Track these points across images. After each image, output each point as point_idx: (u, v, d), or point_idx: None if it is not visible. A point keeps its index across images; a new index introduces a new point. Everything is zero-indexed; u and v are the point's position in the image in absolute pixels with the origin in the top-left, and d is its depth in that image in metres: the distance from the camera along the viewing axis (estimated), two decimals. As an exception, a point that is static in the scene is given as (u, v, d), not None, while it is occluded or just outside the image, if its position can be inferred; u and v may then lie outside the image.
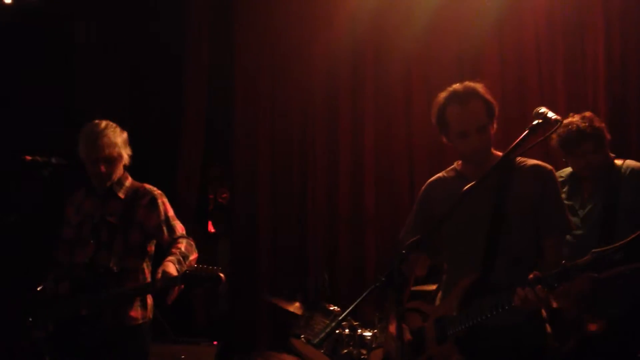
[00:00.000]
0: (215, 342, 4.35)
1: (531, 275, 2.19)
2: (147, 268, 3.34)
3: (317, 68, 5.30)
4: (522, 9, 4.74)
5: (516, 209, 2.42)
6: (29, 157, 3.13)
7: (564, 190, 3.30)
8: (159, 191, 3.39)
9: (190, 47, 5.55)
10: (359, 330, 3.85)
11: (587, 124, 3.15)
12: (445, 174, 2.67)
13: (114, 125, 3.33)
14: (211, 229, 6.19)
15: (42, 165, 3.15)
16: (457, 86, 2.49)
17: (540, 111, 2.29)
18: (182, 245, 3.22)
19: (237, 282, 5.18)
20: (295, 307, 4.22)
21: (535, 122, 2.27)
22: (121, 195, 3.30)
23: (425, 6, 4.90)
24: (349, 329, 3.87)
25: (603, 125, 3.22)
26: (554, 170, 2.52)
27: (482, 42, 4.82)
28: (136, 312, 3.23)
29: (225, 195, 6.30)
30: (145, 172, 4.96)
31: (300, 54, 5.36)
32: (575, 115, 3.23)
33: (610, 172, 3.19)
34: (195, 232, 5.47)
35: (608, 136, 3.21)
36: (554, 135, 3.16)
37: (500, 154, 2.54)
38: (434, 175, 4.74)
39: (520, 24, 4.76)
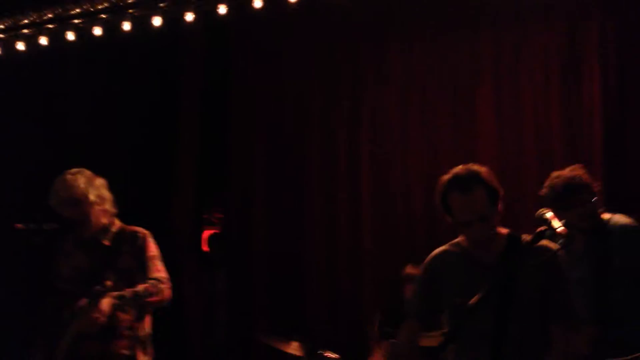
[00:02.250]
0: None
1: None
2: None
3: (314, 96, 5.24)
4: (518, 46, 4.71)
5: (525, 298, 2.37)
6: (19, 225, 3.06)
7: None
8: (145, 231, 3.37)
9: (185, 74, 5.49)
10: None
11: (580, 174, 3.13)
12: (450, 248, 2.61)
13: (81, 171, 3.31)
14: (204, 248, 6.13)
15: (34, 232, 3.08)
16: (459, 170, 2.42)
17: (545, 216, 2.22)
18: (143, 285, 3.16)
19: (233, 320, 5.14)
20: (293, 348, 4.17)
21: (540, 229, 2.21)
22: (106, 242, 3.28)
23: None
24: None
25: (589, 175, 3.19)
26: (561, 254, 2.47)
27: (477, 79, 4.79)
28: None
29: (219, 215, 6.24)
30: (139, 201, 5.01)
31: (298, 78, 5.30)
32: (564, 170, 3.18)
33: (599, 227, 3.16)
34: (190, 259, 5.46)
35: (598, 187, 3.18)
36: (545, 189, 3.10)
37: (505, 231, 2.48)
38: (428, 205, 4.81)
39: (515, 60, 4.70)
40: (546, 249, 2.43)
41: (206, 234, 6.05)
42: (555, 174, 3.16)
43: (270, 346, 4.31)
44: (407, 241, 4.97)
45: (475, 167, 2.41)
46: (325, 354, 3.91)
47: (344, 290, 5.09)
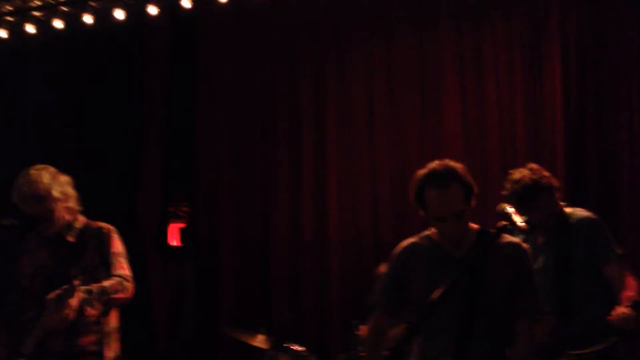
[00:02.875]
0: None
1: None
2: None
3: (281, 89, 5.24)
4: (480, 38, 4.78)
5: (491, 294, 2.39)
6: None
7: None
8: (110, 227, 3.32)
9: (150, 68, 5.44)
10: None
11: (539, 176, 3.15)
12: (419, 241, 2.59)
13: (46, 167, 3.26)
14: (171, 241, 6.10)
15: (-5, 228, 3.04)
16: (436, 165, 2.41)
17: (506, 211, 2.26)
18: (109, 282, 3.13)
19: (200, 313, 5.13)
20: (259, 341, 4.18)
21: (501, 224, 2.25)
22: (71, 239, 3.24)
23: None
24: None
25: (549, 173, 3.23)
26: (527, 250, 2.51)
27: (441, 71, 4.85)
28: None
29: (185, 209, 6.20)
30: (105, 193, 4.97)
31: (263, 72, 5.29)
32: (522, 170, 3.21)
33: (560, 221, 3.22)
34: (156, 253, 5.43)
35: (556, 183, 3.23)
36: (506, 191, 3.15)
37: (476, 226, 2.51)
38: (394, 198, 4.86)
39: (478, 53, 4.77)
40: (514, 244, 2.47)
41: (173, 227, 6.03)
42: (515, 176, 3.16)
43: (237, 339, 4.32)
44: (372, 232, 5.01)
45: (452, 163, 2.41)
46: (291, 347, 3.93)
47: (310, 282, 5.11)
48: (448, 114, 4.84)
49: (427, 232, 2.60)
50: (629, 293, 2.98)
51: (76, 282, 2.95)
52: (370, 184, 5.06)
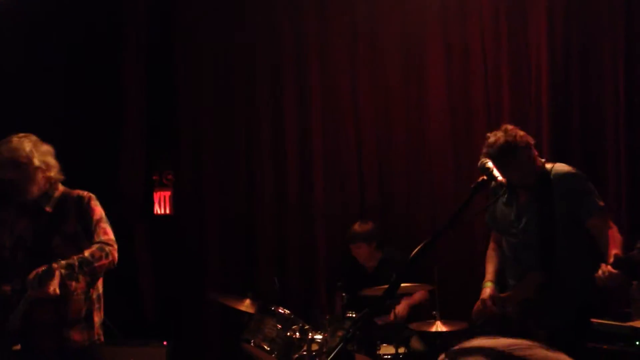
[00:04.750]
0: (165, 343, 4.31)
1: None
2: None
3: (263, 53, 5.16)
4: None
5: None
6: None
7: (502, 199, 3.29)
8: (89, 194, 3.29)
9: (129, 30, 5.33)
10: (310, 334, 3.84)
11: (513, 135, 3.14)
12: None
13: (27, 135, 3.21)
14: (156, 210, 6.07)
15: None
16: None
17: (486, 166, 2.24)
18: (89, 250, 3.10)
19: (185, 279, 5.12)
20: (245, 305, 4.18)
21: (481, 179, 2.22)
22: (49, 208, 3.19)
23: None
24: (299, 332, 3.86)
25: (524, 132, 3.21)
26: None
27: (426, 31, 4.77)
28: (79, 334, 3.14)
29: (170, 176, 6.16)
30: (86, 164, 4.91)
31: (244, 42, 5.20)
32: (497, 132, 3.19)
33: (541, 177, 3.21)
34: (141, 222, 5.39)
35: (532, 140, 3.22)
36: (483, 155, 3.14)
37: None
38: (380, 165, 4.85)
39: (464, 12, 4.68)
40: None
41: (158, 195, 5.99)
42: (490, 139, 3.14)
43: (223, 304, 4.32)
44: (358, 200, 5.00)
45: None
46: (278, 310, 3.93)
47: (295, 248, 5.10)
48: (432, 69, 4.78)
49: None
50: (614, 250, 2.99)
51: (55, 265, 2.93)
52: (356, 152, 5.02)
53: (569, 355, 2.81)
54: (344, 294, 4.00)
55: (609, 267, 2.79)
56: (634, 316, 3.58)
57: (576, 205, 3.14)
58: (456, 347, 1.72)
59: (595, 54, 4.30)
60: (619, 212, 3.93)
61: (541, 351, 1.68)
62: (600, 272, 2.82)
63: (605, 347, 3.44)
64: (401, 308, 4.24)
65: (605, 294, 3.34)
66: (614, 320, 3.52)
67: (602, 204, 3.12)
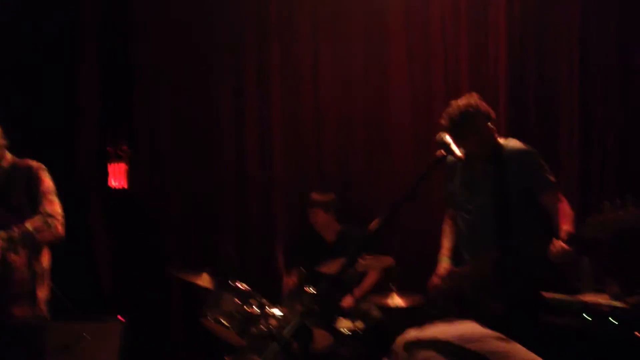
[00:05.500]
0: (121, 319, 4.25)
1: None
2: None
3: (222, 23, 5.07)
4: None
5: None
6: None
7: (459, 177, 3.33)
8: (39, 164, 3.21)
9: (84, 8, 5.17)
10: (269, 309, 3.84)
11: (475, 101, 3.18)
12: None
13: None
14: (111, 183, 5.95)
15: None
16: None
17: (444, 140, 2.24)
18: (31, 222, 3.04)
19: (143, 253, 5.06)
20: (203, 280, 4.16)
21: (439, 153, 2.23)
22: None
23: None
24: (258, 307, 3.86)
25: (486, 105, 3.25)
26: None
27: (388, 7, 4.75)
28: (21, 309, 3.08)
29: (125, 148, 6.04)
30: (37, 135, 4.76)
31: (204, 9, 5.09)
32: (460, 99, 3.22)
33: (496, 153, 3.24)
34: (96, 195, 5.29)
35: (493, 114, 3.25)
36: (443, 119, 3.17)
37: None
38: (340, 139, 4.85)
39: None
40: None
41: (112, 168, 5.87)
42: (453, 104, 3.18)
43: (182, 279, 4.29)
44: (317, 170, 5.00)
45: None
46: (237, 285, 3.92)
47: (255, 220, 5.09)
48: (393, 46, 4.78)
49: None
50: (566, 226, 3.05)
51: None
52: (315, 121, 5.00)
53: (522, 328, 2.86)
54: (302, 269, 4.01)
55: (561, 244, 2.85)
56: (583, 290, 3.71)
57: (529, 182, 3.19)
58: (412, 338, 1.73)
59: (552, 29, 4.35)
60: (572, 188, 4.02)
61: (493, 342, 1.70)
62: (553, 248, 2.88)
63: (556, 320, 3.56)
64: (349, 301, 4.27)
65: (557, 269, 3.43)
66: (565, 294, 3.64)
67: (553, 179, 3.18)
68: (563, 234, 2.89)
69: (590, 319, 3.49)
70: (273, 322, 3.82)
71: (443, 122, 3.15)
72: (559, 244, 2.85)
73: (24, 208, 3.09)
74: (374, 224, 2.12)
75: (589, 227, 2.68)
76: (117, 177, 5.62)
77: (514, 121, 4.27)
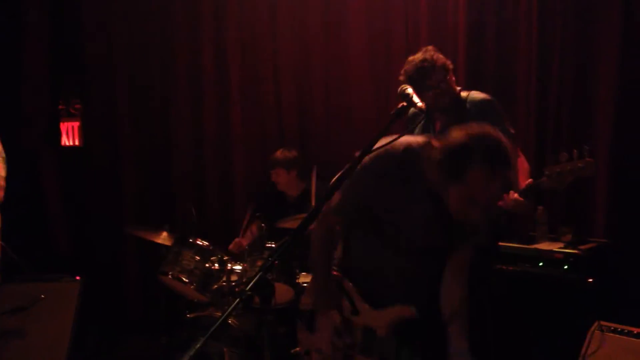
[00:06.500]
0: (78, 278, 4.18)
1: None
2: None
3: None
4: None
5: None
6: None
7: (419, 129, 3.32)
8: None
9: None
10: (229, 265, 3.83)
11: (432, 55, 3.18)
12: (410, 151, 2.21)
13: None
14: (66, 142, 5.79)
15: None
16: (494, 140, 2.06)
17: (406, 92, 2.21)
18: None
19: (99, 212, 4.96)
20: (162, 238, 4.11)
21: (401, 105, 2.21)
22: None
23: None
24: (218, 263, 3.84)
25: (444, 56, 3.24)
26: None
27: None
28: None
29: (78, 106, 5.87)
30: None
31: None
32: (417, 53, 3.22)
33: (457, 104, 3.25)
34: (48, 153, 5.14)
35: (451, 65, 3.25)
36: (402, 76, 3.16)
37: None
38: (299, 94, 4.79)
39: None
40: None
41: (65, 125, 5.71)
42: (410, 58, 3.19)
43: (140, 237, 4.23)
44: (277, 127, 4.95)
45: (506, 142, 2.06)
46: (196, 242, 3.89)
47: (213, 178, 5.04)
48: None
49: (421, 143, 2.24)
50: (522, 178, 3.10)
51: None
52: (273, 77, 4.92)
53: (479, 276, 2.85)
54: (262, 225, 3.99)
55: (515, 195, 2.89)
56: (539, 239, 3.80)
57: None
58: None
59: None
60: (528, 139, 4.07)
61: None
62: (507, 198, 2.93)
63: (511, 268, 3.65)
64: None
65: (512, 219, 3.50)
66: (520, 243, 3.72)
67: (512, 131, 3.21)
68: (521, 186, 2.94)
69: (544, 266, 3.58)
70: (233, 277, 3.82)
71: (401, 78, 3.15)
72: (512, 195, 2.90)
73: None
74: (336, 177, 2.09)
75: (546, 178, 2.72)
76: (70, 135, 5.48)
77: (472, 71, 4.26)
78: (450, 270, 2.32)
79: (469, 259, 2.35)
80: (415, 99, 2.16)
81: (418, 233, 2.24)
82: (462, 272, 2.33)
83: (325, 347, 2.34)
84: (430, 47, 3.23)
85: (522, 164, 3.27)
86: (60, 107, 5.64)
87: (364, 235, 2.34)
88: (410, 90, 2.20)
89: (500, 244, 3.57)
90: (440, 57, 3.19)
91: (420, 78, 3.12)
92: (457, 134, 2.12)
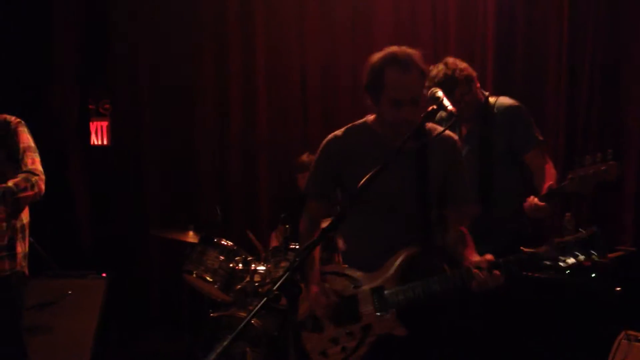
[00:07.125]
0: (104, 275, 4.23)
1: (487, 257, 2.29)
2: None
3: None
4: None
5: (434, 184, 2.41)
6: None
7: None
8: (17, 120, 3.13)
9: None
10: (253, 265, 3.85)
11: (454, 69, 3.12)
12: (353, 129, 2.51)
13: None
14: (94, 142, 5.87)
15: None
16: (395, 49, 2.34)
17: (436, 95, 2.21)
18: (14, 180, 2.98)
19: (125, 211, 5.02)
20: (188, 237, 4.14)
21: (431, 108, 2.20)
22: None
23: None
24: (242, 263, 3.86)
25: (466, 65, 3.20)
26: (458, 140, 2.50)
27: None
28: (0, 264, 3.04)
29: (107, 105, 5.95)
30: (15, 89, 4.67)
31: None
32: (438, 65, 3.17)
33: (484, 110, 3.22)
34: (77, 153, 5.22)
35: (474, 73, 3.22)
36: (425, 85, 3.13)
37: None
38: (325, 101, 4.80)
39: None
40: (446, 137, 2.43)
41: (95, 125, 5.79)
42: (432, 73, 3.10)
43: (165, 237, 4.27)
44: (301, 130, 4.96)
45: (410, 49, 2.35)
46: (220, 242, 3.91)
47: (238, 179, 5.06)
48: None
49: (361, 121, 2.52)
50: (549, 183, 3.07)
51: None
52: (300, 80, 4.94)
53: (504, 282, 2.78)
54: (287, 226, 4.00)
55: (536, 200, 2.87)
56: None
57: (516, 137, 3.19)
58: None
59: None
60: (557, 144, 4.03)
61: None
62: (527, 203, 2.90)
63: (536, 275, 3.61)
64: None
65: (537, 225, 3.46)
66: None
67: (541, 137, 3.19)
68: (546, 190, 2.91)
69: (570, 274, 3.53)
70: (257, 278, 3.83)
71: (425, 91, 3.13)
72: (533, 200, 2.87)
73: (3, 164, 3.03)
74: (363, 181, 2.10)
75: (571, 182, 2.69)
76: (99, 135, 5.56)
77: (501, 77, 4.24)
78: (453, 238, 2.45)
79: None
80: (446, 102, 2.16)
81: (396, 197, 2.38)
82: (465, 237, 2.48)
83: (317, 306, 2.42)
84: (450, 60, 3.16)
85: (549, 170, 3.23)
86: (90, 106, 5.73)
87: (354, 217, 2.39)
88: (440, 93, 2.20)
89: (524, 249, 3.52)
90: (462, 69, 3.13)
91: (448, 91, 3.07)
92: None
